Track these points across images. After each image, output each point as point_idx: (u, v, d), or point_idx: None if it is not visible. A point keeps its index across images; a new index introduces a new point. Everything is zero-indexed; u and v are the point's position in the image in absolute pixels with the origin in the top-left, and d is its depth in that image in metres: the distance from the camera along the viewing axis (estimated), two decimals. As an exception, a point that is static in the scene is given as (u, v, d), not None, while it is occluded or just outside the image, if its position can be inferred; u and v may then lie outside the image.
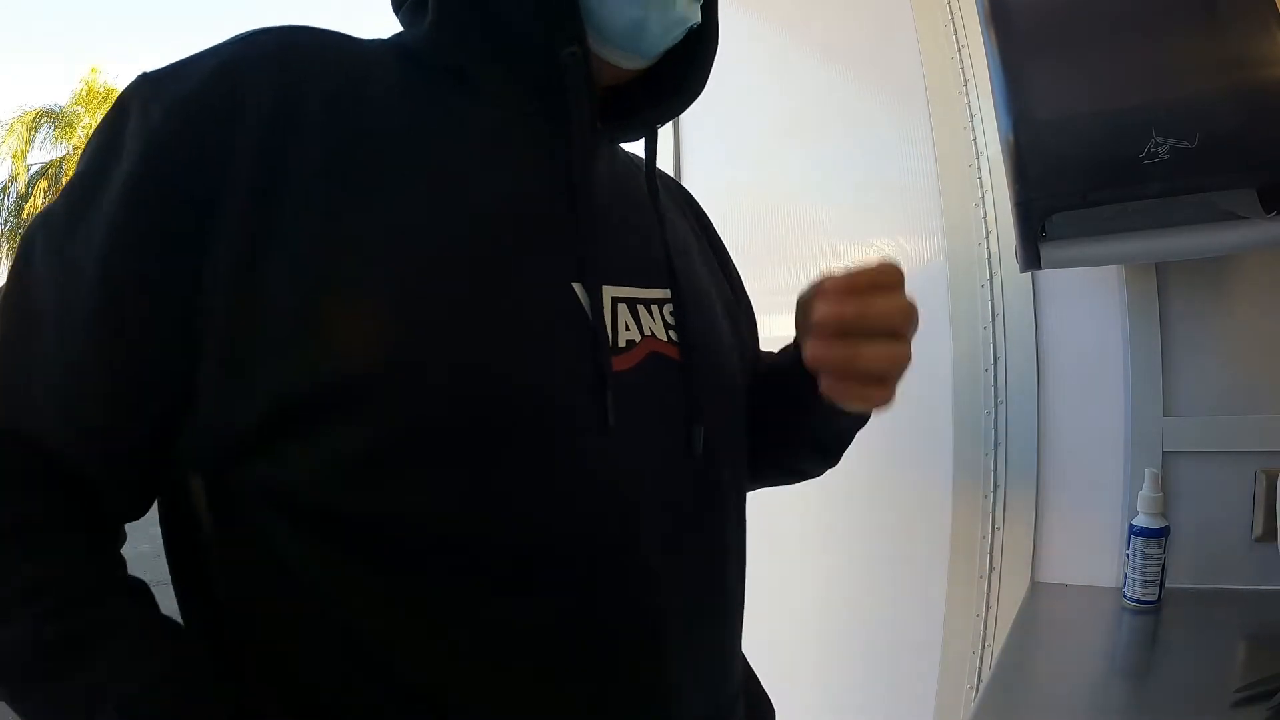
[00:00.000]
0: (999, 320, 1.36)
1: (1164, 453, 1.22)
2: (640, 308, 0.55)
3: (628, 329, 0.53)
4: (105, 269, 0.45)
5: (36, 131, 19.72)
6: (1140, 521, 1.12)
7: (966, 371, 1.39)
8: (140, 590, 0.48)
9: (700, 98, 0.61)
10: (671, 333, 0.56)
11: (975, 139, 1.38)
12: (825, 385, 0.53)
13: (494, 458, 0.46)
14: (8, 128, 19.69)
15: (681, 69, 0.59)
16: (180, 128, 0.45)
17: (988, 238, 1.37)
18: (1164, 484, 1.16)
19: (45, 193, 19.57)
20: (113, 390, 0.46)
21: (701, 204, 0.78)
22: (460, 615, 0.47)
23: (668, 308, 0.57)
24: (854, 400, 0.54)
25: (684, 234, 0.67)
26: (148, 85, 0.47)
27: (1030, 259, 1.08)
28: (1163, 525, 1.12)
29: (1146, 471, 1.14)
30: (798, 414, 0.68)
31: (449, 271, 0.47)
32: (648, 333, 0.55)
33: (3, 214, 19.87)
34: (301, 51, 0.49)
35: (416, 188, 0.48)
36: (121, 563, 0.49)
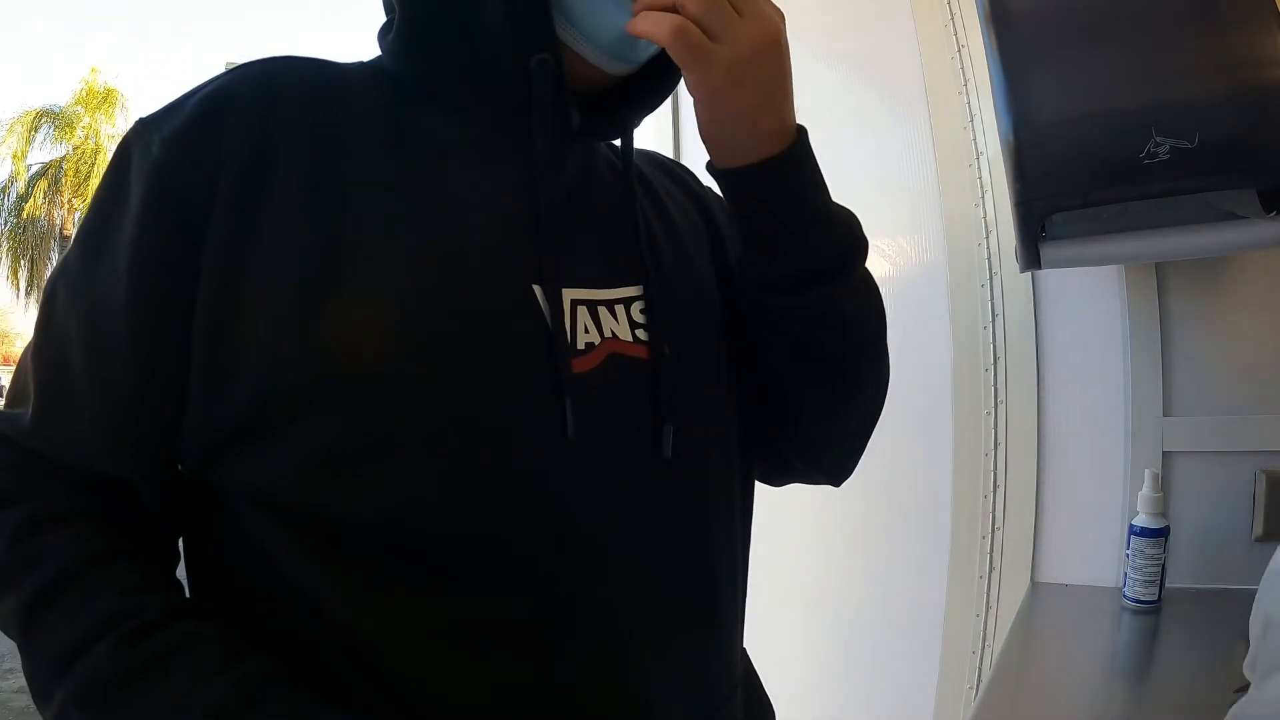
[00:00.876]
0: (999, 320, 1.36)
1: (1164, 453, 1.23)
2: (602, 309, 0.55)
3: (587, 331, 0.53)
4: (131, 296, 0.49)
5: (36, 131, 19.73)
6: (1140, 521, 1.13)
7: (966, 371, 1.39)
8: (204, 611, 0.50)
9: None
10: (639, 331, 0.56)
11: (975, 139, 1.38)
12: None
13: (454, 461, 0.48)
14: (8, 128, 19.72)
15: (654, 65, 0.59)
16: (175, 159, 0.49)
17: (988, 238, 1.37)
18: (1164, 484, 1.16)
19: (45, 193, 19.59)
20: (149, 411, 0.50)
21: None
22: (428, 613, 0.48)
23: (637, 305, 0.57)
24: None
25: (676, 227, 0.65)
26: (145, 128, 0.51)
27: (1030, 259, 1.08)
28: (1163, 525, 1.12)
29: (1146, 471, 1.14)
30: (752, 256, 0.59)
31: (413, 283, 0.49)
32: (608, 334, 0.54)
33: (3, 214, 19.88)
34: (282, 81, 0.52)
35: (386, 205, 0.50)
36: (180, 585, 0.52)
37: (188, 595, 0.52)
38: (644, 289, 0.57)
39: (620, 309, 0.56)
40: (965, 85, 1.39)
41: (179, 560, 0.55)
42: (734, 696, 0.61)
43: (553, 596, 0.49)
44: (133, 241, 0.48)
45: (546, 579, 0.49)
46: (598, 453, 0.51)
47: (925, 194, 1.44)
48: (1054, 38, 1.06)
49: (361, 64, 0.58)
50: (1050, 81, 1.05)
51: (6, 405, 0.53)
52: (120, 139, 0.52)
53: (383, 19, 0.59)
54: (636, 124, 0.62)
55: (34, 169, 19.93)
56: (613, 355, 0.54)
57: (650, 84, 0.59)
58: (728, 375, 0.62)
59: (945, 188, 1.41)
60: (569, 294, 0.53)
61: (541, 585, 0.49)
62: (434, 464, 0.48)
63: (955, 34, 1.41)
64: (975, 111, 1.38)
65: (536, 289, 0.52)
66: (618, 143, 0.62)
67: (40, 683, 0.47)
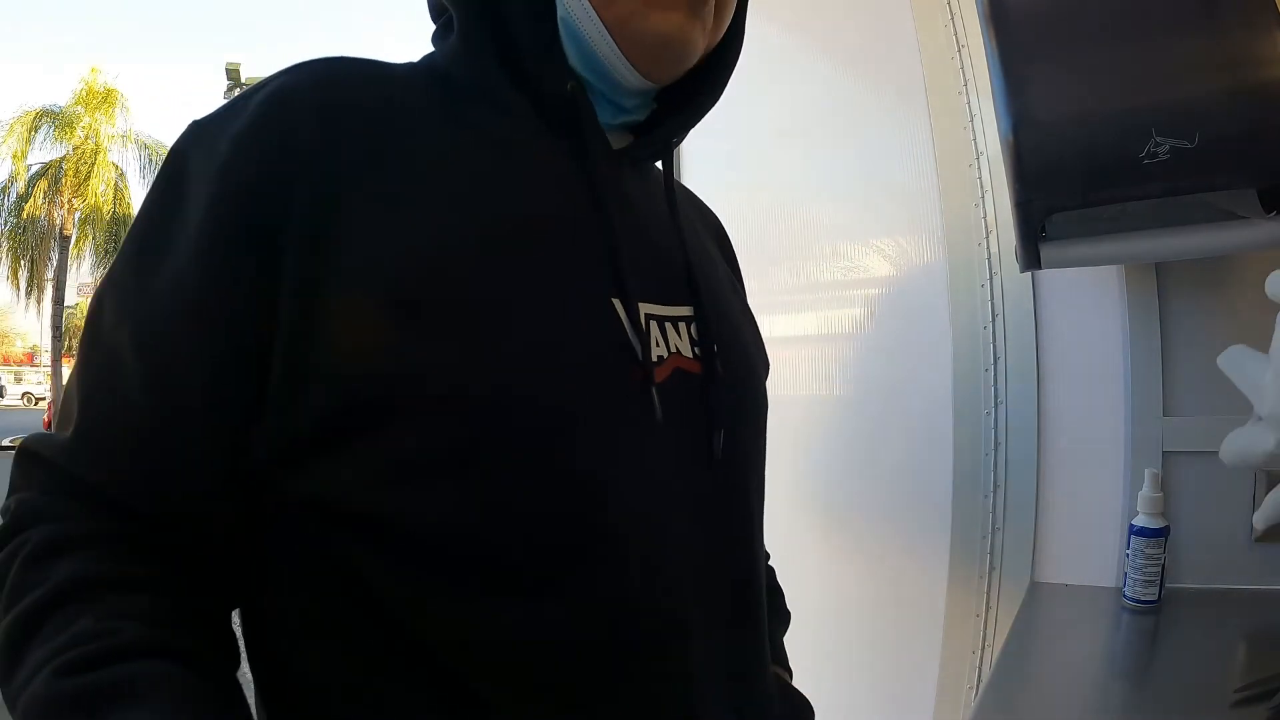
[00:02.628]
0: (999, 320, 1.36)
1: (1164, 453, 1.22)
2: (668, 324, 0.56)
3: (658, 345, 0.55)
4: (202, 300, 0.46)
5: (36, 131, 19.71)
6: (1140, 521, 1.13)
7: (966, 371, 1.39)
8: (192, 655, 0.46)
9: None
10: (696, 349, 0.57)
11: (975, 139, 1.38)
12: None
13: (536, 469, 0.47)
14: (8, 128, 19.69)
15: (695, 81, 0.61)
16: (245, 160, 0.47)
17: (988, 238, 1.37)
18: (1164, 484, 1.16)
19: (45, 193, 19.58)
20: (212, 422, 0.47)
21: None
22: (500, 623, 0.47)
23: (692, 324, 0.58)
24: None
25: (707, 250, 0.68)
26: (204, 130, 0.49)
27: (1030, 259, 1.08)
28: (1163, 525, 1.12)
29: (1146, 471, 1.14)
30: None
31: (488, 286, 0.48)
32: (674, 349, 0.56)
33: (3, 214, 19.88)
34: (340, 78, 0.51)
35: (457, 204, 0.50)
36: (193, 618, 0.48)
37: (202, 629, 0.48)
38: (695, 309, 0.59)
39: (682, 326, 0.57)
40: (965, 85, 1.39)
41: (215, 593, 0.50)
42: (774, 698, 0.63)
43: (619, 604, 0.49)
44: (203, 249, 0.46)
45: (615, 586, 0.49)
46: (668, 465, 0.53)
47: (925, 194, 1.44)
48: (1054, 38, 1.06)
49: (410, 64, 0.58)
50: (1050, 81, 1.05)
51: (55, 429, 0.50)
52: (171, 147, 0.50)
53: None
54: (678, 140, 0.64)
55: (34, 169, 19.92)
56: (677, 370, 0.55)
57: (688, 100, 0.61)
58: (761, 398, 0.65)
59: (945, 188, 1.41)
60: (644, 308, 0.54)
61: (611, 592, 0.49)
62: (515, 472, 0.47)
63: (955, 34, 1.41)
64: (975, 111, 1.38)
65: (616, 302, 0.52)
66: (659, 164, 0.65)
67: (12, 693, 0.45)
